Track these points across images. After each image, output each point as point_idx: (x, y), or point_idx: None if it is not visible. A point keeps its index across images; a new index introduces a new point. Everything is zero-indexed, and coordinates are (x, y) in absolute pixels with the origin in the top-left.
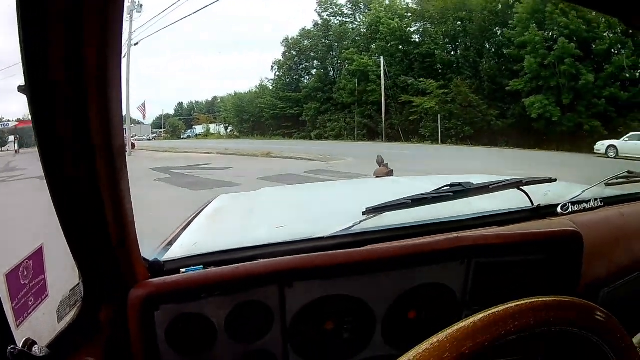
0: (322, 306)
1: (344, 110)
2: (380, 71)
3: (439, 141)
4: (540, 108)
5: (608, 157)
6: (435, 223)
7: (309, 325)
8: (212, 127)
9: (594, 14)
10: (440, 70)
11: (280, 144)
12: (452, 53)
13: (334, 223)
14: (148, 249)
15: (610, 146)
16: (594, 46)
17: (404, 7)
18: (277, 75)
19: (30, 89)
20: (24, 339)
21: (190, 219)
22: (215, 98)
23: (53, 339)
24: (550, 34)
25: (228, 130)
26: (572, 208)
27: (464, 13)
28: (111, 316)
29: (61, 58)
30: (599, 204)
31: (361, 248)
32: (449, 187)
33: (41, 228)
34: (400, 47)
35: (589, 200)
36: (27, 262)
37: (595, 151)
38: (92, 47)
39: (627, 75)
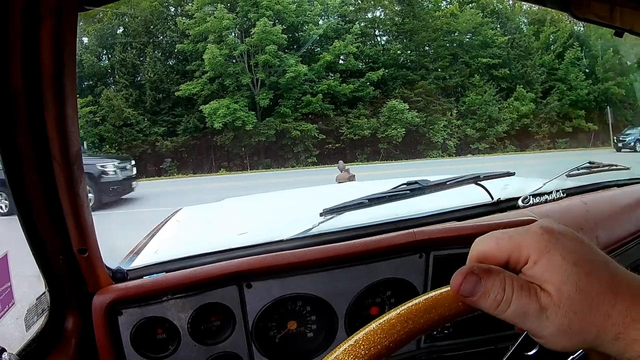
0: (283, 306)
1: None
2: None
3: None
4: (227, 115)
5: None
6: (393, 221)
7: (271, 325)
8: None
9: None
10: (89, 83)
11: None
12: (108, 58)
13: (295, 227)
14: (113, 261)
15: None
16: (302, 34)
17: None
18: None
19: None
20: None
21: (154, 231)
22: None
23: (23, 347)
24: (247, 18)
25: None
26: (533, 200)
27: (126, 8)
28: (78, 323)
29: (19, 63)
30: (561, 194)
31: (317, 247)
32: (405, 185)
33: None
34: None
35: (551, 192)
36: None
37: None
38: (48, 50)
39: (349, 64)
